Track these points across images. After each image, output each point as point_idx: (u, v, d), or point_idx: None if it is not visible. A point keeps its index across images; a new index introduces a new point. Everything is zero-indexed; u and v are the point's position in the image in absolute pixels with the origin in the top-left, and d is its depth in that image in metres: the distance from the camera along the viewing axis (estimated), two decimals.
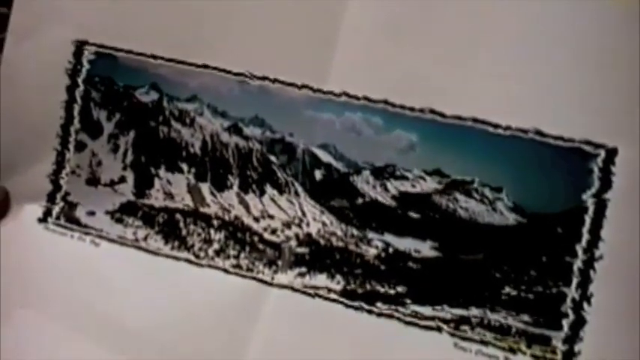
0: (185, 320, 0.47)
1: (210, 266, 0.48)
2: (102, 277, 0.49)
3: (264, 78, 0.47)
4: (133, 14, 0.49)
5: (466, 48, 0.44)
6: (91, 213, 0.51)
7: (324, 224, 0.48)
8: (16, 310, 0.48)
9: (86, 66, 0.51)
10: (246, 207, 0.49)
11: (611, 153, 0.42)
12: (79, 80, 0.51)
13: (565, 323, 0.42)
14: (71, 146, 0.51)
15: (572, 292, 0.42)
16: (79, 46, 0.51)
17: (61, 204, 0.52)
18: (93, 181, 0.52)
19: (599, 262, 0.42)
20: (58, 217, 0.52)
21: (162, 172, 0.51)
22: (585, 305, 0.42)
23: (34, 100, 0.51)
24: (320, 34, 0.46)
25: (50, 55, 0.51)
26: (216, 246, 0.49)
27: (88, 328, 0.48)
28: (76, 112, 0.51)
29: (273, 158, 0.49)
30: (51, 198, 0.52)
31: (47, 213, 0.52)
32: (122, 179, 0.51)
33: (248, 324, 0.46)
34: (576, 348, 0.42)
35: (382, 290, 0.46)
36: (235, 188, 0.50)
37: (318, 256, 0.47)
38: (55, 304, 0.49)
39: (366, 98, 0.46)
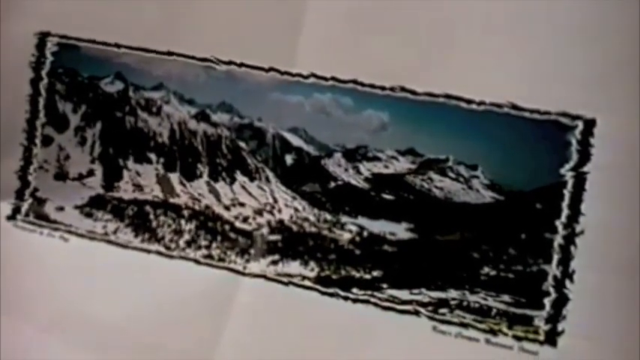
0: (157, 313, 0.46)
1: (181, 257, 0.48)
2: (72, 273, 0.48)
3: (230, 62, 0.46)
4: (94, 3, 0.48)
5: (437, 23, 0.43)
6: (60, 208, 0.51)
7: (296, 210, 0.47)
8: None
9: (50, 58, 0.50)
10: (217, 196, 0.49)
11: (589, 124, 0.40)
12: (43, 73, 0.50)
13: (547, 302, 0.41)
14: (38, 141, 0.51)
15: (553, 269, 0.41)
16: (42, 38, 0.50)
17: (30, 200, 0.51)
18: (61, 175, 0.51)
19: (580, 237, 0.40)
20: (27, 214, 0.51)
21: (130, 163, 0.50)
22: (567, 282, 0.40)
23: None
24: (285, 15, 0.45)
25: (13, 48, 0.50)
26: (187, 237, 0.48)
27: (59, 324, 0.47)
28: (41, 106, 0.50)
29: (242, 144, 0.49)
30: (19, 195, 0.51)
31: (16, 210, 0.51)
32: (90, 172, 0.51)
33: (221, 314, 0.45)
34: (559, 327, 0.40)
35: (357, 275, 0.45)
36: (205, 177, 0.49)
37: (290, 243, 0.46)
38: (25, 301, 0.48)
39: (334, 79, 0.45)
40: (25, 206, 0.51)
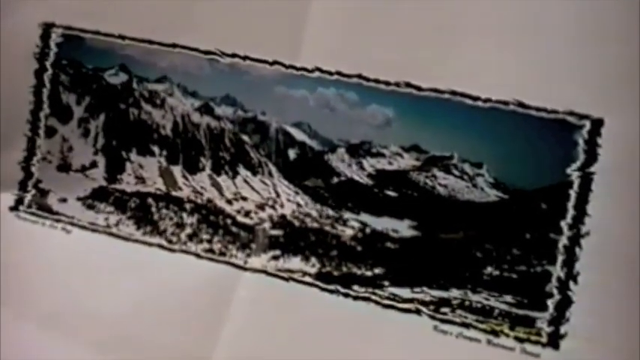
0: (158, 306, 0.46)
1: (182, 251, 0.47)
2: (74, 265, 0.48)
3: (234, 55, 0.46)
4: None
5: (443, 18, 0.42)
6: (63, 200, 0.50)
7: (298, 205, 0.47)
8: None
9: (54, 49, 0.50)
10: (219, 189, 0.48)
11: (597, 124, 0.40)
12: (48, 64, 0.50)
13: (550, 304, 0.40)
14: (41, 132, 0.51)
15: (557, 270, 0.40)
16: (46, 28, 0.50)
17: (33, 191, 0.51)
18: (64, 167, 0.51)
19: (585, 238, 0.40)
20: (29, 205, 0.51)
21: (133, 155, 0.50)
22: (571, 284, 0.40)
23: (2, 86, 0.50)
24: (290, 8, 0.45)
25: (17, 39, 0.50)
26: (188, 230, 0.48)
27: (59, 316, 0.47)
28: (45, 97, 0.50)
29: (245, 138, 0.48)
30: (22, 186, 0.51)
31: (19, 201, 0.51)
32: (93, 164, 0.51)
33: (221, 309, 0.45)
34: (562, 329, 0.40)
35: (359, 272, 0.44)
36: (208, 170, 0.49)
37: (292, 239, 0.46)
38: (26, 293, 0.48)
39: (339, 73, 0.44)
40: (27, 197, 0.51)
